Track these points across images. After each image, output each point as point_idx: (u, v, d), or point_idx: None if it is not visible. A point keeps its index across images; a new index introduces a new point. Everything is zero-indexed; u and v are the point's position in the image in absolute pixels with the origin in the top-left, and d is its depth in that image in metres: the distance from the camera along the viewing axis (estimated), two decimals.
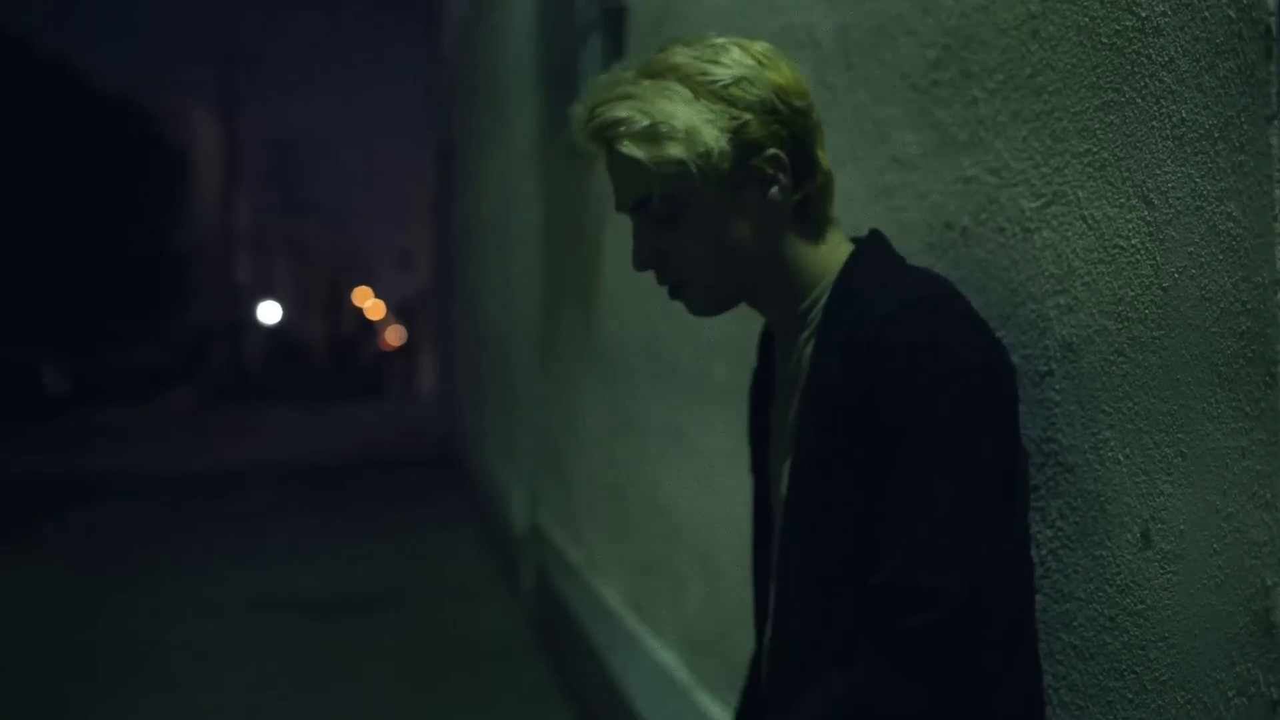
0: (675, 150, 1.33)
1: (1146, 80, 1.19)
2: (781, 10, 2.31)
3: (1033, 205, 1.41)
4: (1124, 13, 1.22)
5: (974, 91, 1.54)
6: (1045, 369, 1.38)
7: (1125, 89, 1.22)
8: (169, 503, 10.57)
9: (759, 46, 1.38)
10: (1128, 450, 1.23)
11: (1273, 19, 1.02)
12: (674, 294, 1.46)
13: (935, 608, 1.19)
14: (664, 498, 3.32)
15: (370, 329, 65.56)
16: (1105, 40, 1.26)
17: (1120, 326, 1.24)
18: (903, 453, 1.24)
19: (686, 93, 1.34)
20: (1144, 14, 1.19)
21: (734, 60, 1.35)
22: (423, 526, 8.98)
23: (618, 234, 3.91)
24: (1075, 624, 1.34)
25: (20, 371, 24.20)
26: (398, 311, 62.01)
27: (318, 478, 12.58)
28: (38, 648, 5.45)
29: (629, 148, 1.34)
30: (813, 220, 1.43)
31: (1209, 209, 1.10)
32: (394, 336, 60.92)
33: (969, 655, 1.21)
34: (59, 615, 6.10)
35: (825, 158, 1.43)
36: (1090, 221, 1.29)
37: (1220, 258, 1.09)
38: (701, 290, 1.43)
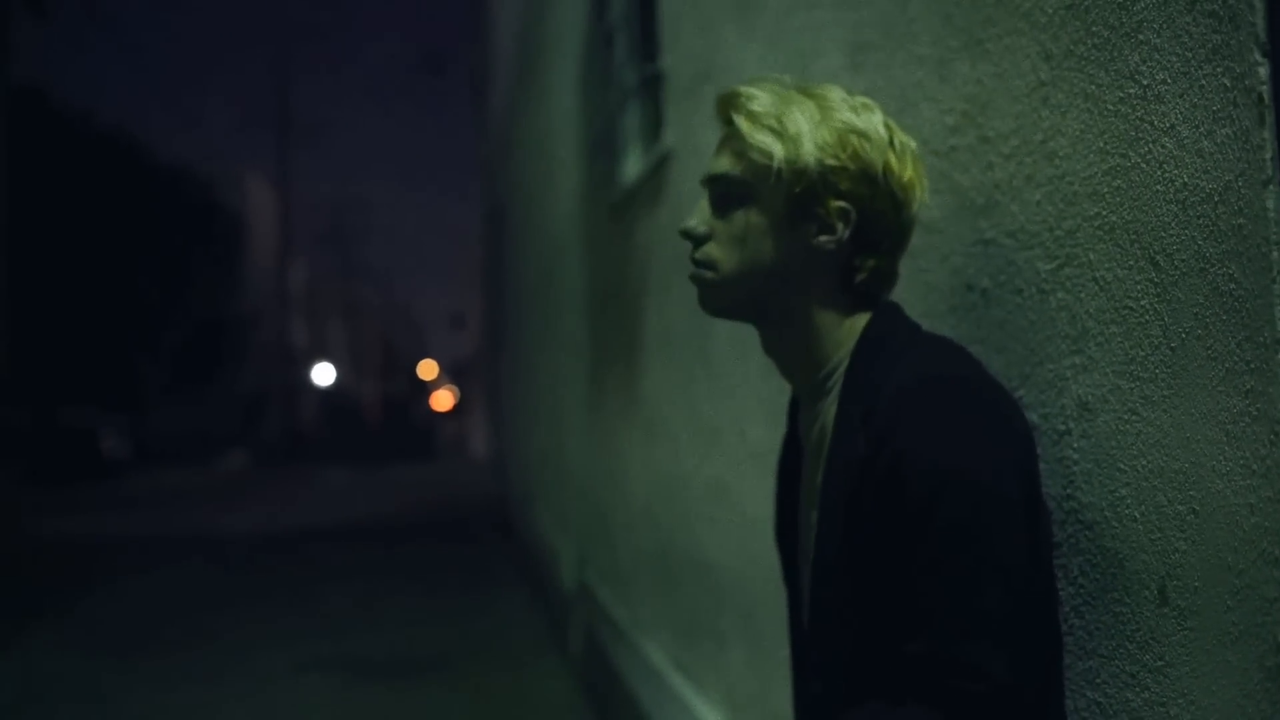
0: (774, 144, 1.39)
1: (1150, 146, 1.22)
2: (812, 76, 2.36)
3: (1048, 267, 1.44)
4: (1127, 80, 1.25)
5: (990, 156, 1.58)
6: (1063, 428, 1.40)
7: (1131, 154, 1.25)
8: (221, 565, 10.68)
9: (904, 136, 1.44)
10: (1143, 508, 1.25)
11: (1265, 87, 1.05)
12: (694, 276, 1.48)
13: (979, 682, 1.21)
14: (707, 557, 3.33)
15: (423, 390, 66.05)
16: (1111, 107, 1.29)
17: (1133, 386, 1.26)
18: (932, 526, 1.25)
19: (817, 115, 1.40)
20: (1146, 82, 1.22)
21: (872, 123, 1.41)
22: (473, 587, 9.01)
23: (658, 297, 3.96)
24: (1099, 681, 1.35)
25: (80, 435, 24.65)
26: (451, 372, 62.50)
27: (369, 539, 12.66)
28: (87, 713, 5.52)
29: (741, 120, 1.41)
30: (855, 293, 1.45)
31: (1212, 270, 1.12)
32: (446, 397, 61.33)
33: None
34: (114, 672, 6.18)
35: (897, 261, 1.47)
36: (1102, 283, 1.32)
37: (1224, 318, 1.11)
38: (716, 283, 1.46)
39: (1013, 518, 1.27)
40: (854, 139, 1.39)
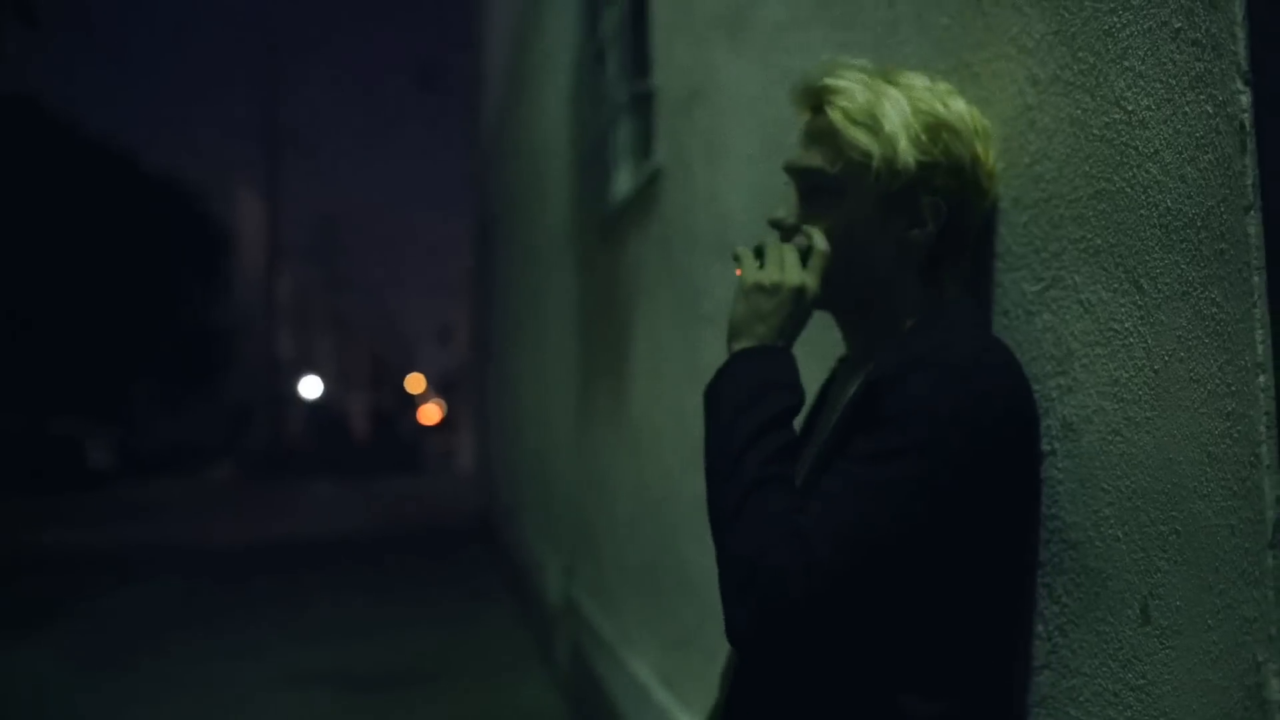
0: (871, 143, 1.39)
1: (1134, 171, 1.24)
2: None
3: (1034, 289, 1.45)
4: (1112, 106, 1.27)
5: None
6: (1049, 448, 1.41)
7: (1115, 178, 1.27)
8: (208, 577, 10.64)
9: (985, 122, 1.46)
10: (1126, 528, 1.26)
11: (1246, 115, 1.07)
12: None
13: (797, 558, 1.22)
14: (694, 573, 3.34)
15: (410, 403, 65.94)
16: (1096, 132, 1.31)
17: (1117, 407, 1.28)
18: (877, 426, 1.26)
19: (907, 109, 1.40)
20: (1130, 108, 1.24)
21: (959, 112, 1.43)
22: (460, 600, 9.00)
23: (648, 312, 3.97)
24: (1082, 699, 1.36)
25: (64, 445, 24.52)
26: (438, 386, 62.43)
27: (356, 551, 12.64)
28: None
29: (836, 116, 1.41)
30: (934, 282, 1.46)
31: (1195, 294, 1.14)
32: (434, 411, 61.25)
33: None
34: (101, 685, 6.15)
35: (971, 246, 1.50)
36: (1086, 305, 1.34)
37: (1206, 341, 1.13)
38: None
39: (953, 485, 1.25)
40: (945, 134, 1.41)
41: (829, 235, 1.43)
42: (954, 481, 1.25)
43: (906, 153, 1.38)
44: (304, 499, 22.45)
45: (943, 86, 1.46)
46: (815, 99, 1.46)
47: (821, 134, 1.45)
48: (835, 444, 1.35)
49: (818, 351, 1.74)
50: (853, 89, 1.42)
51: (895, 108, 1.40)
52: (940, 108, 1.42)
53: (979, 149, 1.43)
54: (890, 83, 1.43)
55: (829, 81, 1.44)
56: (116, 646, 7.35)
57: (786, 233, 1.47)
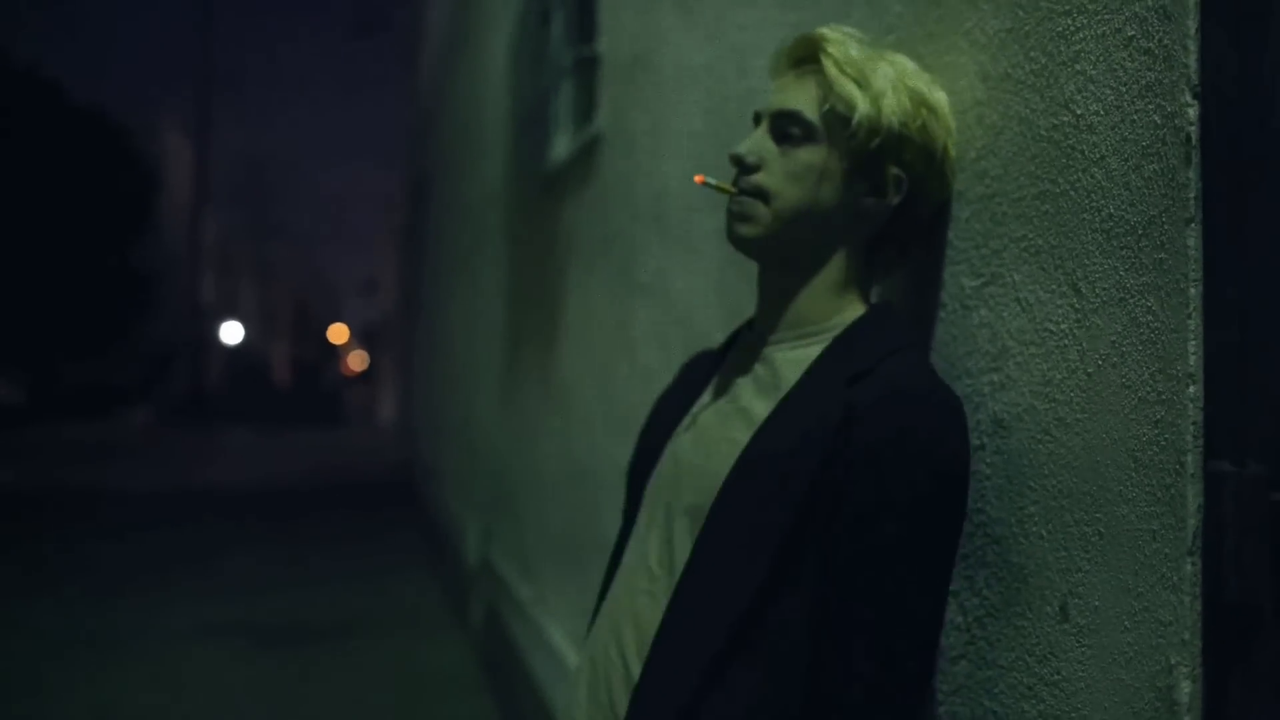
0: (857, 97, 1.39)
1: (1079, 174, 1.25)
2: (749, 73, 2.37)
3: (972, 284, 1.46)
4: (1061, 108, 1.28)
5: None
6: (978, 443, 1.43)
7: (1060, 180, 1.28)
8: (116, 525, 10.48)
9: (954, 122, 1.48)
10: (1050, 526, 1.28)
11: (1193, 128, 1.08)
12: (737, 204, 1.43)
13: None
14: (613, 540, 3.34)
15: (333, 353, 65.26)
16: (1043, 133, 1.32)
17: (1048, 407, 1.29)
18: (862, 541, 1.27)
19: (895, 78, 1.42)
20: (1079, 111, 1.25)
21: (940, 98, 1.45)
22: (377, 556, 8.95)
23: (582, 279, 3.96)
24: (996, 690, 1.38)
25: None
26: (361, 337, 61.80)
27: (272, 504, 12.51)
28: None
29: (828, 64, 1.41)
30: (871, 265, 1.48)
31: (1131, 302, 1.16)
32: (357, 362, 60.67)
33: None
34: (3, 639, 6.05)
35: (915, 244, 1.52)
36: (1024, 304, 1.35)
37: (1140, 349, 1.14)
38: (773, 212, 1.42)
39: (954, 538, 1.32)
40: (924, 112, 1.42)
41: (792, 177, 1.42)
42: (951, 539, 1.32)
43: (890, 113, 1.39)
44: (221, 447, 22.18)
45: (927, 75, 1.48)
46: (808, 48, 1.46)
47: (807, 81, 1.44)
48: (799, 454, 1.32)
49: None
50: (847, 44, 1.43)
51: (885, 71, 1.42)
52: (924, 88, 1.44)
53: (949, 141, 1.45)
54: (882, 57, 1.45)
55: (825, 31, 1.45)
56: (19, 595, 7.22)
57: (746, 170, 1.44)
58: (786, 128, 1.43)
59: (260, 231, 56.80)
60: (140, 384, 34.08)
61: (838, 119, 1.40)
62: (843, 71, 1.40)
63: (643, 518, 1.54)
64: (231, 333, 48.36)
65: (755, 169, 1.43)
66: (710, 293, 2.52)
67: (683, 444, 1.50)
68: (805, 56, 1.47)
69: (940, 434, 1.29)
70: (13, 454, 17.76)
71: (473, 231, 7.68)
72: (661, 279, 2.96)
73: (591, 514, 3.65)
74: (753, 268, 1.52)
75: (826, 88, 1.41)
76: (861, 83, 1.40)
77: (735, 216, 1.44)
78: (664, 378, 2.86)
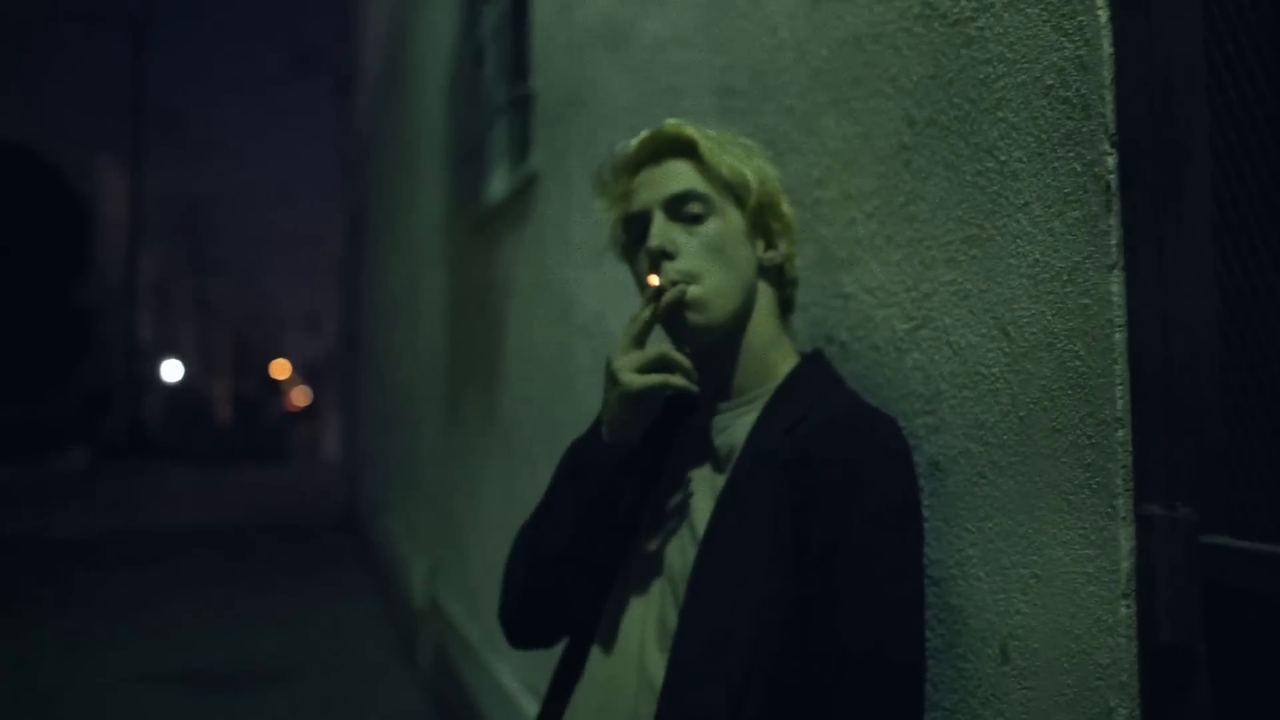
0: (739, 162, 1.45)
1: (1005, 220, 1.26)
2: (682, 114, 2.38)
3: (904, 327, 1.48)
4: (986, 155, 1.30)
5: (853, 213, 1.62)
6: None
7: (987, 226, 1.30)
8: (56, 570, 10.27)
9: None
10: (988, 569, 1.29)
11: (1113, 177, 1.09)
12: (676, 298, 1.39)
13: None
14: None
15: (276, 389, 64.61)
16: (970, 179, 1.33)
17: (982, 450, 1.30)
18: (837, 576, 1.28)
19: (746, 146, 1.51)
20: (1003, 158, 1.27)
21: (776, 174, 1.53)
22: (322, 597, 8.84)
23: (520, 316, 3.95)
24: None
25: None
26: (304, 372, 61.30)
27: (216, 544, 12.31)
28: None
29: (704, 142, 1.45)
30: (783, 309, 1.53)
31: (1059, 346, 1.17)
32: (300, 397, 60.12)
33: None
34: None
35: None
36: (955, 348, 1.36)
37: (1069, 393, 1.15)
38: (712, 287, 1.40)
39: (911, 560, 1.34)
40: (771, 178, 1.49)
41: (708, 250, 1.42)
42: (916, 548, 1.36)
43: (759, 171, 1.47)
44: (162, 487, 21.84)
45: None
46: (660, 142, 1.48)
47: (673, 167, 1.46)
48: (758, 511, 1.34)
49: None
50: (699, 127, 1.49)
51: (738, 141, 1.51)
52: (767, 167, 1.51)
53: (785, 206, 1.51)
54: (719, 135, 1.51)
55: (674, 122, 1.49)
56: None
57: (667, 256, 1.41)
58: (684, 208, 1.44)
59: (200, 268, 56.23)
60: (78, 425, 33.51)
61: (725, 186, 1.45)
62: (720, 145, 1.46)
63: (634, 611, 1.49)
64: (171, 370, 47.75)
65: (673, 256, 1.42)
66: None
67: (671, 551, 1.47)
68: (659, 151, 1.48)
69: (882, 456, 1.32)
70: None
71: (411, 266, 7.64)
72: (600, 321, 2.96)
73: None
74: None
75: (706, 163, 1.45)
76: (739, 153, 1.47)
77: (685, 307, 1.40)
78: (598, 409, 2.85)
